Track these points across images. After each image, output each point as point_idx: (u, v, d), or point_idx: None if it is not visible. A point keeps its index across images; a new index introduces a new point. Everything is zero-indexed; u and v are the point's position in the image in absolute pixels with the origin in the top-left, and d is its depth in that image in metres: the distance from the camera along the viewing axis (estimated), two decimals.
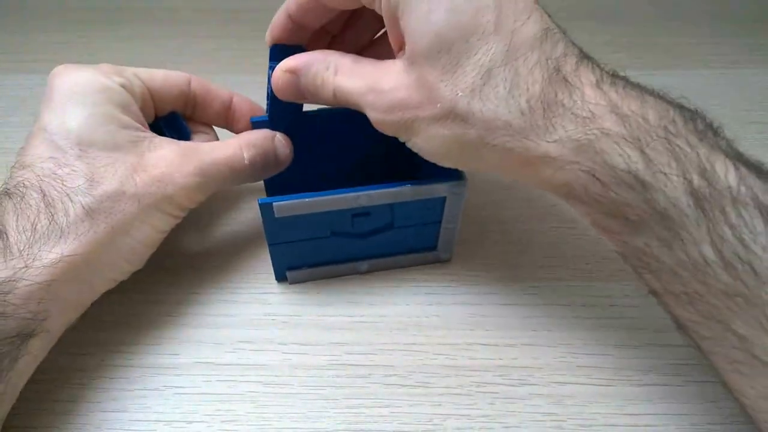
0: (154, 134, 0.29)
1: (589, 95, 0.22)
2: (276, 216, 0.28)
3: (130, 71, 0.30)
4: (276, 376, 0.28)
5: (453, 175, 0.29)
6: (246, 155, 0.29)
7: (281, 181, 0.31)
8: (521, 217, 0.37)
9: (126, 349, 0.29)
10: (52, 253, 0.24)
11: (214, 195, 0.36)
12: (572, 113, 0.22)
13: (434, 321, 0.31)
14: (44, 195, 0.25)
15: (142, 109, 0.30)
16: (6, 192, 0.25)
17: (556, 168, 0.22)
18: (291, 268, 0.32)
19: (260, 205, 0.28)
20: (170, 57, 0.53)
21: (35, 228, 0.24)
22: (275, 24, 0.29)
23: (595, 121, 0.21)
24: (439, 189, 0.29)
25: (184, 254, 0.34)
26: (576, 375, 0.28)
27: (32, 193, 0.25)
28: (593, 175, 0.22)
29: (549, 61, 0.22)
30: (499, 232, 0.35)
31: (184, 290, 0.32)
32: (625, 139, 0.21)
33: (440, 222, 0.31)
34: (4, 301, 0.23)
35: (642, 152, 0.21)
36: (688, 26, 0.56)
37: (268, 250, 0.31)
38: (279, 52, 0.28)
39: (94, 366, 0.29)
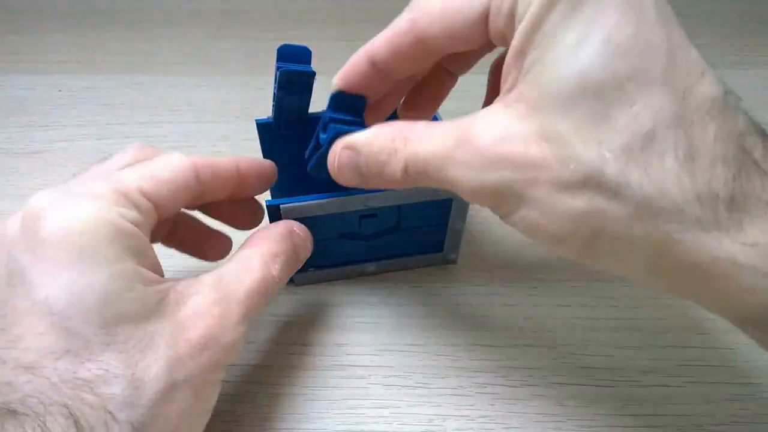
0: (169, 279, 0.22)
1: None
2: (283, 218, 0.28)
3: (134, 189, 0.22)
4: (276, 376, 0.28)
5: None
6: (275, 271, 0.24)
7: (287, 182, 0.31)
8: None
9: None
10: None
11: None
12: None
13: (434, 321, 0.31)
14: (75, 418, 0.17)
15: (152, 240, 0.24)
16: (8, 410, 0.17)
17: (745, 282, 0.16)
18: (298, 271, 0.32)
19: (268, 207, 0.28)
20: (169, 58, 0.53)
21: None
22: (351, 70, 0.24)
23: None
24: (445, 190, 0.29)
25: (184, 254, 0.34)
26: (577, 376, 0.28)
27: (57, 417, 0.17)
28: None
29: (732, 135, 0.17)
30: (499, 233, 0.35)
31: None
32: None
33: (447, 223, 0.31)
34: None
35: None
36: (686, 28, 0.56)
37: None
38: (338, 100, 0.25)
39: None
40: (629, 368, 0.29)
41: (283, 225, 0.26)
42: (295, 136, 0.31)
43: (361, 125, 0.25)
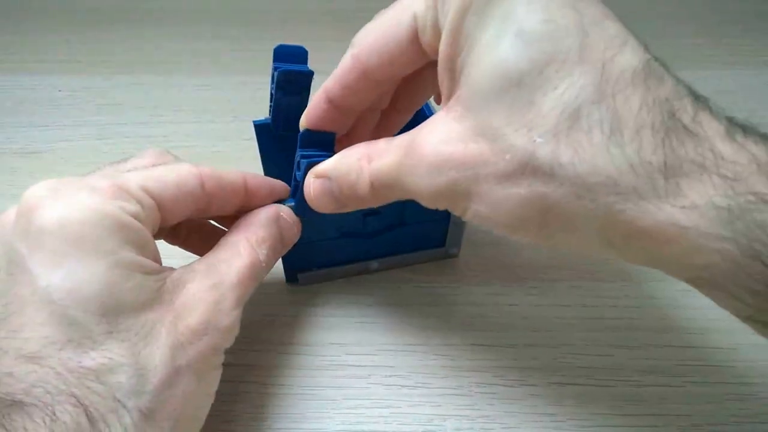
0: (165, 268, 0.23)
1: (724, 150, 0.16)
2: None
3: (134, 184, 0.22)
4: (276, 376, 0.28)
5: None
6: (262, 256, 0.25)
7: (287, 183, 0.31)
8: None
9: None
10: None
11: None
12: (707, 172, 0.16)
13: (434, 321, 0.31)
14: (84, 407, 0.18)
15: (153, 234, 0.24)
16: (15, 402, 0.17)
17: (690, 244, 0.16)
18: (302, 270, 0.32)
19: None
20: (169, 58, 0.53)
21: None
22: (313, 110, 0.25)
23: (741, 183, 0.16)
24: None
25: (184, 255, 0.34)
26: (576, 375, 0.28)
27: (65, 406, 0.17)
28: (757, 258, 0.16)
29: (657, 102, 0.17)
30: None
31: None
32: None
33: (449, 217, 0.31)
34: None
35: None
36: (687, 28, 0.56)
37: None
38: (307, 138, 0.25)
39: None
40: (629, 368, 0.29)
41: (268, 210, 0.26)
42: (292, 137, 0.31)
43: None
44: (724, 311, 0.30)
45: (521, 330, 0.30)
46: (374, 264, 0.33)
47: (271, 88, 0.29)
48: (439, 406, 0.27)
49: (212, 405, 0.27)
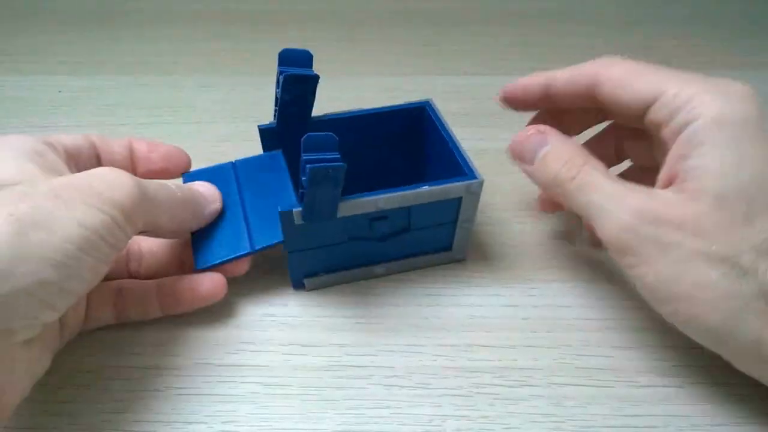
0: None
1: None
2: (296, 223, 0.28)
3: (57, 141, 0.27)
4: (276, 377, 0.28)
5: (468, 174, 0.29)
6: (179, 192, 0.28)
7: (294, 186, 0.31)
8: (521, 218, 0.37)
9: (126, 350, 0.29)
10: None
11: None
12: None
13: (434, 322, 0.31)
14: None
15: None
16: None
17: None
18: (308, 275, 0.32)
19: (280, 213, 0.27)
20: (170, 58, 0.53)
21: None
22: (524, 85, 0.30)
23: None
24: (455, 189, 0.29)
25: None
26: (576, 376, 0.28)
27: None
28: None
29: None
30: (499, 234, 0.35)
31: None
32: None
33: (455, 222, 0.31)
34: None
35: None
36: (688, 28, 0.56)
37: (268, 252, 0.31)
38: (311, 142, 0.25)
39: (94, 366, 0.29)
40: (628, 369, 0.29)
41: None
42: (297, 140, 0.31)
43: (337, 160, 0.25)
44: None
45: (521, 331, 0.30)
46: (380, 269, 0.33)
47: (277, 92, 0.29)
48: (440, 406, 0.27)
49: (212, 405, 0.27)
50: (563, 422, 0.27)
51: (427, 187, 0.28)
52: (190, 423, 0.27)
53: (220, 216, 0.30)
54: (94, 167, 0.25)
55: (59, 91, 0.48)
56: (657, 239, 0.24)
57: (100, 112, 0.46)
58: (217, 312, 0.31)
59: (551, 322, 0.31)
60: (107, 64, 0.52)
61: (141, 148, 0.31)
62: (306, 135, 0.25)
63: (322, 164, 0.24)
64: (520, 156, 0.28)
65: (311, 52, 0.29)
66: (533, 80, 0.30)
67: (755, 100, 0.24)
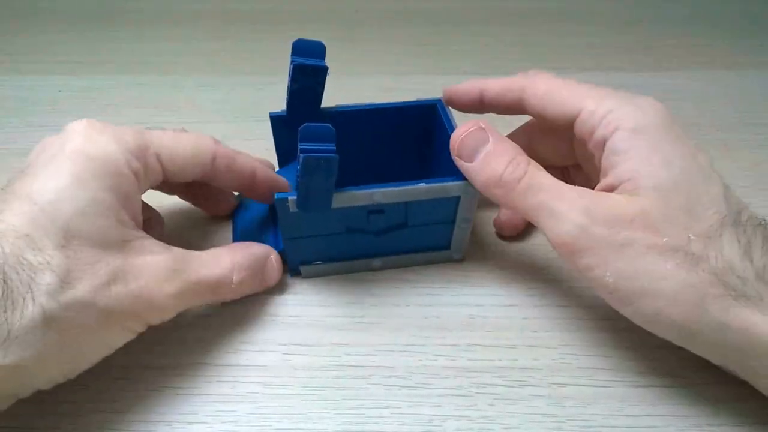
0: (145, 235, 0.26)
1: None
2: (291, 210, 0.28)
3: (153, 150, 0.27)
4: (276, 377, 0.28)
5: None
6: (236, 278, 0.28)
7: (296, 176, 0.32)
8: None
9: (126, 350, 0.29)
10: None
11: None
12: None
13: (434, 322, 0.31)
14: (5, 282, 0.21)
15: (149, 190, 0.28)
16: None
17: None
18: (305, 263, 0.32)
19: (277, 200, 0.28)
20: (170, 58, 0.53)
21: None
22: (463, 89, 0.31)
23: None
24: (453, 188, 0.29)
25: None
26: (576, 376, 0.28)
27: None
28: None
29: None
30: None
31: None
32: None
33: (454, 221, 0.31)
34: None
35: None
36: (688, 28, 0.56)
37: None
38: (308, 132, 0.26)
39: (94, 366, 0.28)
40: (628, 369, 0.29)
41: (263, 248, 0.30)
42: None
43: (332, 151, 0.25)
44: None
45: (521, 330, 0.30)
46: (377, 262, 0.33)
47: (288, 81, 0.29)
48: (440, 406, 0.27)
49: (213, 405, 0.27)
50: (563, 422, 0.27)
51: (424, 183, 0.28)
52: (190, 423, 0.27)
53: (253, 221, 0.34)
54: (199, 177, 0.29)
55: (59, 91, 0.48)
56: (610, 238, 0.24)
57: (100, 112, 0.46)
58: (218, 312, 0.31)
59: (551, 322, 0.31)
60: (107, 63, 0.52)
61: (265, 185, 0.31)
62: (304, 125, 0.25)
63: (315, 154, 0.25)
64: (459, 152, 0.28)
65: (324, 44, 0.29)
66: (469, 87, 0.31)
67: (666, 110, 0.26)
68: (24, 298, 0.21)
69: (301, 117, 0.31)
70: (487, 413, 0.27)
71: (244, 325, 0.31)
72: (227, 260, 0.28)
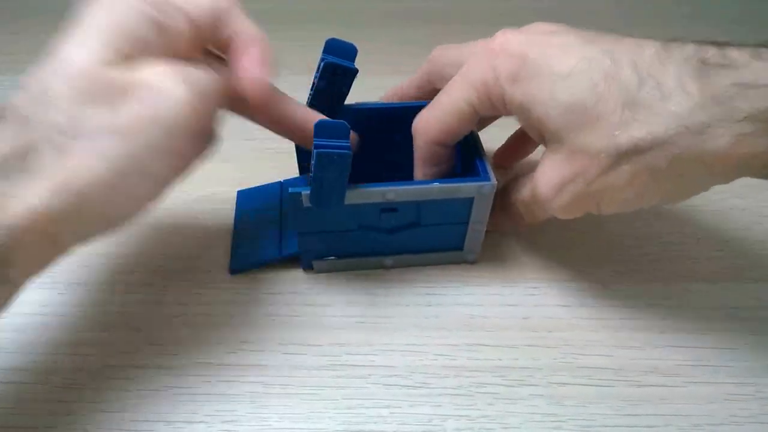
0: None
1: (758, 66, 0.22)
2: (304, 205, 0.28)
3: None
4: (276, 376, 0.28)
5: (481, 175, 0.29)
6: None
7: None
8: None
9: (126, 349, 0.29)
10: (30, 192, 0.21)
11: (214, 197, 0.36)
12: (748, 88, 0.22)
13: (434, 321, 0.31)
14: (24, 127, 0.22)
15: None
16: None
17: (754, 142, 0.22)
18: (317, 258, 0.32)
19: (289, 194, 0.28)
20: None
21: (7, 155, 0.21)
22: (411, 85, 0.33)
23: None
24: (466, 189, 0.29)
25: (184, 255, 0.34)
26: (576, 376, 0.28)
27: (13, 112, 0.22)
28: None
29: (687, 61, 0.23)
30: (499, 234, 0.35)
31: (184, 291, 0.32)
32: None
33: (467, 223, 0.31)
34: None
35: None
36: (688, 27, 0.56)
37: None
38: (323, 128, 0.26)
39: (94, 366, 0.29)
40: (629, 368, 0.29)
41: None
42: None
43: (346, 148, 0.25)
44: (723, 311, 0.31)
45: (521, 330, 0.30)
46: (389, 261, 0.33)
47: (315, 77, 0.29)
48: (440, 406, 0.27)
49: (212, 404, 0.27)
50: (563, 422, 0.27)
51: (437, 183, 0.28)
52: (190, 423, 0.26)
53: (260, 227, 0.34)
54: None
55: None
56: (578, 193, 0.26)
57: None
58: (217, 312, 0.31)
59: (551, 322, 0.31)
60: None
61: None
62: (319, 120, 0.26)
63: (329, 150, 0.25)
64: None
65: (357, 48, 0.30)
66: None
67: (513, 34, 0.27)
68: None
69: (322, 113, 0.31)
70: (487, 413, 0.27)
71: (243, 324, 0.31)
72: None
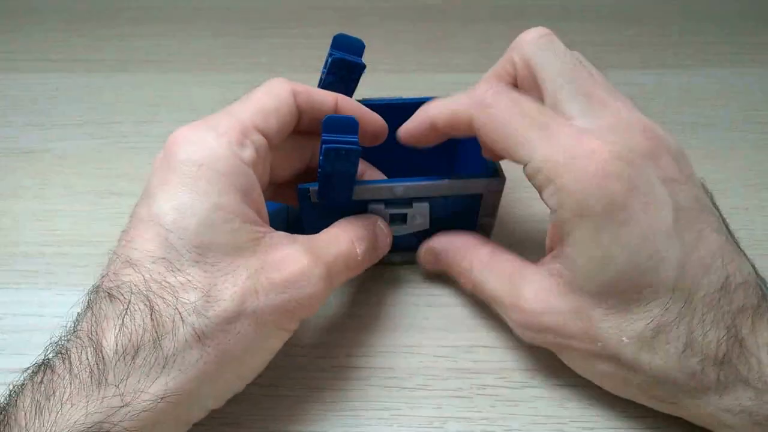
0: (271, 228, 0.25)
1: (765, 362, 0.22)
2: (313, 201, 0.28)
3: (251, 126, 0.25)
4: (276, 377, 0.28)
5: (491, 171, 0.29)
6: (359, 250, 0.27)
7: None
8: (523, 218, 0.36)
9: None
10: (154, 388, 0.20)
11: None
12: (746, 383, 0.22)
13: (435, 323, 0.31)
14: (152, 310, 0.21)
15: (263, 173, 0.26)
16: (108, 294, 0.21)
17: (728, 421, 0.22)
18: None
19: (299, 190, 0.28)
20: (169, 56, 0.52)
21: (137, 351, 0.20)
22: (413, 126, 0.28)
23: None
24: (476, 185, 0.29)
25: None
26: (578, 377, 0.28)
27: (139, 304, 0.21)
28: None
29: (726, 317, 0.22)
30: (500, 234, 0.35)
31: None
32: None
33: (476, 219, 0.31)
34: None
35: None
36: (689, 26, 0.56)
37: None
38: (331, 123, 0.25)
39: None
40: None
41: (368, 217, 0.29)
42: None
43: (355, 143, 0.25)
44: None
45: None
46: (397, 257, 0.33)
47: (323, 72, 0.29)
48: (440, 408, 0.27)
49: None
50: (565, 423, 0.26)
51: (447, 180, 0.28)
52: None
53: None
54: (293, 125, 0.27)
55: (56, 90, 0.48)
56: (547, 343, 0.26)
57: (99, 111, 0.46)
58: None
59: None
60: (105, 62, 0.52)
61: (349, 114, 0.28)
62: (327, 116, 0.25)
63: (337, 145, 0.25)
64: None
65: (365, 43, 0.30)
66: (419, 121, 0.28)
67: (616, 167, 0.22)
68: (173, 321, 0.21)
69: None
70: (488, 415, 0.27)
71: None
72: (344, 236, 0.27)
